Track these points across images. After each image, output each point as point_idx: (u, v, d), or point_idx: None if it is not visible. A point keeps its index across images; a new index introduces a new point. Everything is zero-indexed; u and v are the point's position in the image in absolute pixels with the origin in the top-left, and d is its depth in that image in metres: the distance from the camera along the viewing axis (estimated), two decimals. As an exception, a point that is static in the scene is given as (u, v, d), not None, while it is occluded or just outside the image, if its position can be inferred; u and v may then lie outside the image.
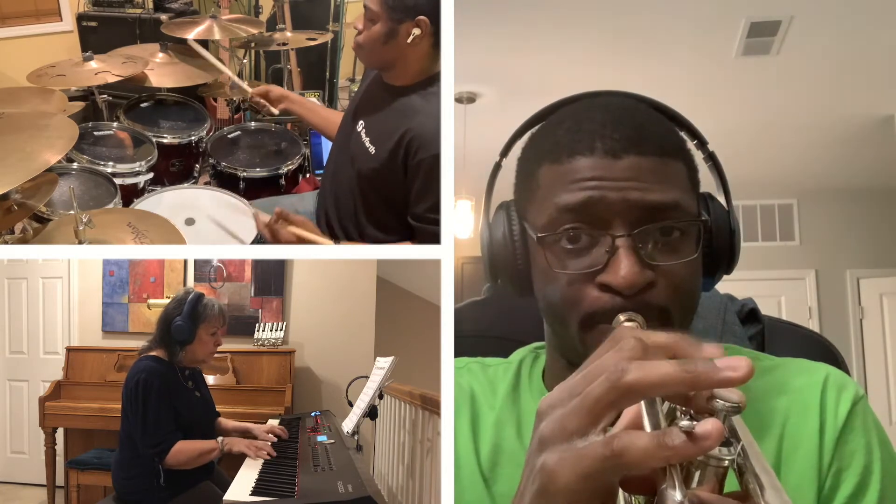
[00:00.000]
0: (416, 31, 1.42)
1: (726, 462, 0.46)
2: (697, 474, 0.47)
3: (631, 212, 0.68)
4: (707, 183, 0.79)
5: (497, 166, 0.82)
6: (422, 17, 1.41)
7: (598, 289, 0.68)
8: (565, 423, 0.48)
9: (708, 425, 0.43)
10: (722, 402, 0.46)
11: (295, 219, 1.50)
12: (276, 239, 1.48)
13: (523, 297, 0.77)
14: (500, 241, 0.76)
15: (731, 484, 0.49)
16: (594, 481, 0.46)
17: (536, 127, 0.79)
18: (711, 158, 0.81)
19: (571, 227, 0.69)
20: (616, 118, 0.72)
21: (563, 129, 0.74)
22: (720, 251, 0.76)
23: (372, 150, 1.51)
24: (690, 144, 0.78)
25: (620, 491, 0.50)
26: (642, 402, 0.49)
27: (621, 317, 0.66)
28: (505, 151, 0.82)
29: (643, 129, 0.71)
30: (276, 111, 1.91)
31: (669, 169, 0.71)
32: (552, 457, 0.48)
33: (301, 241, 1.48)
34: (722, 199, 0.78)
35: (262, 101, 1.89)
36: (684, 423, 0.44)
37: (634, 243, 0.67)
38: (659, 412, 0.48)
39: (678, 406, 0.49)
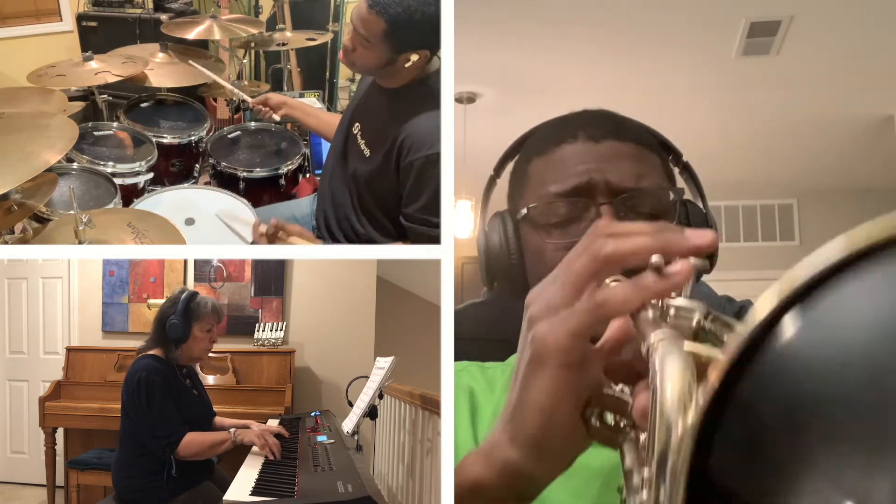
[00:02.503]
0: (415, 58, 1.43)
1: (696, 315, 0.47)
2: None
3: (612, 188, 0.75)
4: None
5: (491, 181, 0.88)
6: (423, 50, 1.41)
7: None
8: (551, 299, 0.52)
9: (678, 264, 0.48)
10: (692, 260, 0.49)
11: (291, 229, 1.50)
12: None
13: (518, 297, 0.78)
14: (496, 243, 0.81)
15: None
16: (583, 338, 0.50)
17: (525, 143, 0.86)
18: (686, 169, 0.87)
19: (559, 203, 0.76)
20: (596, 116, 0.81)
21: (548, 129, 0.82)
22: None
23: (367, 152, 1.52)
24: (664, 155, 0.84)
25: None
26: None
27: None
28: (499, 168, 0.88)
29: (620, 123, 0.80)
30: (277, 117, 1.92)
31: (646, 157, 0.78)
32: (542, 326, 0.51)
33: None
34: (700, 205, 0.85)
35: (263, 108, 1.90)
36: (655, 258, 0.48)
37: (616, 211, 0.74)
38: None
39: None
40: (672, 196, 0.77)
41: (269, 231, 1.48)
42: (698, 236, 0.49)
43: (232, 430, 1.68)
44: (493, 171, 0.88)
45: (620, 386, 0.52)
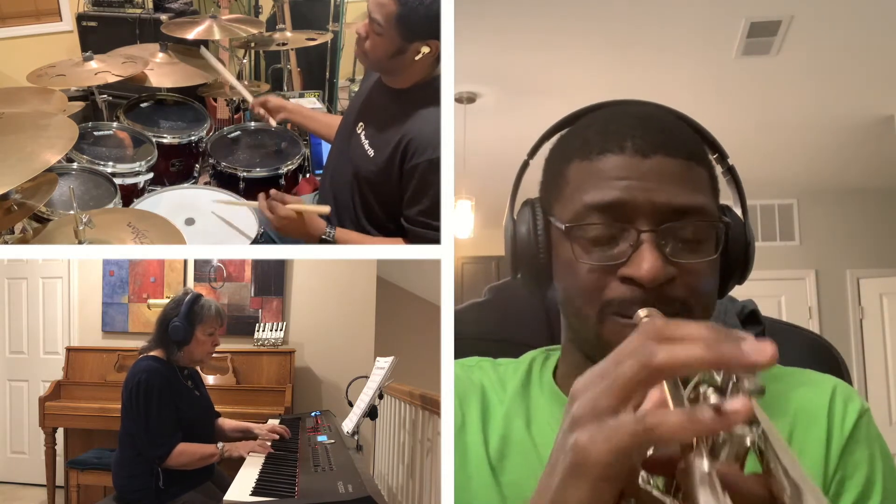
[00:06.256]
0: (426, 50, 1.42)
1: (748, 441, 0.48)
2: (722, 452, 0.49)
3: (657, 211, 0.70)
4: (724, 197, 0.80)
5: (525, 165, 0.84)
6: (434, 41, 1.41)
7: (620, 281, 0.70)
8: (597, 403, 0.49)
9: (738, 402, 0.45)
10: (749, 383, 0.47)
11: (289, 199, 1.53)
12: (275, 213, 1.51)
13: (541, 290, 0.78)
14: (524, 234, 0.78)
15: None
16: (625, 456, 0.48)
17: (565, 129, 0.81)
18: (730, 172, 0.83)
19: (598, 222, 0.71)
20: (645, 121, 0.74)
21: (592, 129, 0.76)
22: (735, 261, 0.77)
23: (371, 153, 1.52)
24: (711, 157, 0.80)
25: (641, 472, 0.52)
26: (664, 383, 0.51)
27: (641, 312, 0.68)
28: (533, 151, 0.83)
29: (671, 133, 0.74)
30: (274, 122, 1.92)
31: (694, 173, 0.73)
32: (584, 434, 0.49)
33: (300, 215, 1.51)
34: (738, 212, 0.80)
35: (261, 111, 1.90)
36: (714, 399, 0.47)
37: (658, 239, 0.69)
38: (682, 393, 0.51)
39: (703, 381, 0.51)
40: (717, 221, 0.73)
41: (270, 200, 1.51)
42: (757, 352, 0.46)
43: (220, 445, 1.69)
44: (527, 155, 0.83)
45: (647, 475, 0.51)
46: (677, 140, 0.73)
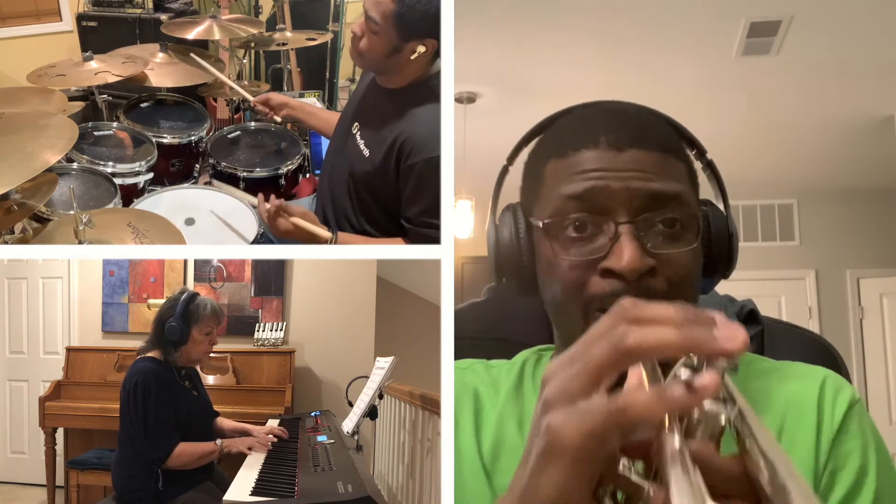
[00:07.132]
0: (422, 50, 1.42)
1: (722, 419, 0.48)
2: (697, 432, 0.49)
3: (633, 200, 0.70)
4: (706, 192, 0.80)
5: (504, 170, 0.84)
6: (430, 40, 1.40)
7: (601, 275, 0.70)
8: (568, 385, 0.49)
9: (707, 377, 0.45)
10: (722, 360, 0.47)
11: (295, 210, 1.50)
12: (274, 227, 1.49)
13: (527, 295, 0.79)
14: (507, 239, 0.78)
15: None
16: (599, 439, 0.47)
17: (542, 133, 0.82)
18: (710, 167, 0.83)
19: (576, 216, 0.71)
20: (620, 117, 0.75)
21: (567, 129, 0.78)
22: (719, 255, 0.77)
23: (366, 152, 1.52)
24: (689, 153, 0.80)
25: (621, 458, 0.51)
26: (641, 365, 0.51)
27: (622, 300, 0.67)
28: (512, 157, 0.84)
29: (646, 128, 0.75)
30: (278, 119, 1.92)
31: (670, 164, 0.74)
32: (557, 416, 0.49)
33: (300, 230, 1.49)
34: (721, 207, 0.80)
35: (264, 108, 1.90)
36: (683, 375, 0.47)
37: (636, 230, 0.69)
38: (659, 375, 0.51)
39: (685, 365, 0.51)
40: (696, 210, 0.73)
41: (271, 209, 1.48)
42: (728, 339, 0.46)
43: (219, 441, 1.69)
44: (506, 160, 0.84)
45: (628, 461, 0.51)
46: (653, 134, 0.74)
